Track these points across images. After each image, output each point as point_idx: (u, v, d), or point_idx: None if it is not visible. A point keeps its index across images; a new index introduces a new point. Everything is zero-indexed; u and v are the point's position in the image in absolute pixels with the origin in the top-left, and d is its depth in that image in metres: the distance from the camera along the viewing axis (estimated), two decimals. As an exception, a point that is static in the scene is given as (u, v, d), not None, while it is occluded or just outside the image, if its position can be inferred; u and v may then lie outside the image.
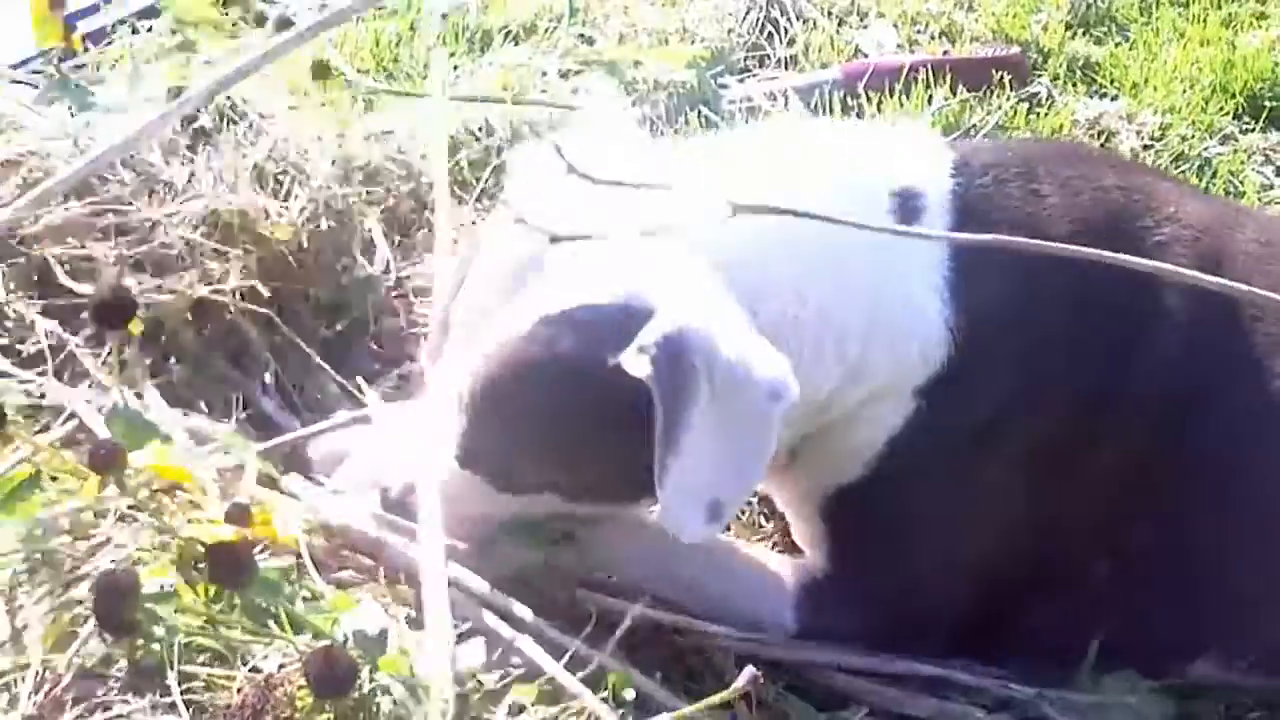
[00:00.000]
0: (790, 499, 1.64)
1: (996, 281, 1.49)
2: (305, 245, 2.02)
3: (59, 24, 1.99)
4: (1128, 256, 1.02)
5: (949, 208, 1.53)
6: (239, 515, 1.32)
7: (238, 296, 1.89)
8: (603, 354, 1.33)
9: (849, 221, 1.08)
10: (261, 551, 1.37)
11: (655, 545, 1.56)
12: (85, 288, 1.76)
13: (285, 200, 2.06)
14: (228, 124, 2.15)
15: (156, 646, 1.26)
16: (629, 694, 1.33)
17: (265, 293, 1.91)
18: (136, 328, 1.68)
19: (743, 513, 1.83)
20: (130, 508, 1.40)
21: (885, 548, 1.56)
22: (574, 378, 1.36)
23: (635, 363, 1.32)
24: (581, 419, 1.38)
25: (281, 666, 1.26)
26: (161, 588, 1.26)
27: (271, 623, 1.31)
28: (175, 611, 1.28)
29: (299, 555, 1.41)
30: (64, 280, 1.78)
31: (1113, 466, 1.56)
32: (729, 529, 1.80)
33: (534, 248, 1.41)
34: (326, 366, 1.90)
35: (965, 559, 1.57)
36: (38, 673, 1.25)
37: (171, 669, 1.24)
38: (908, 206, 1.52)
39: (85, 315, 1.76)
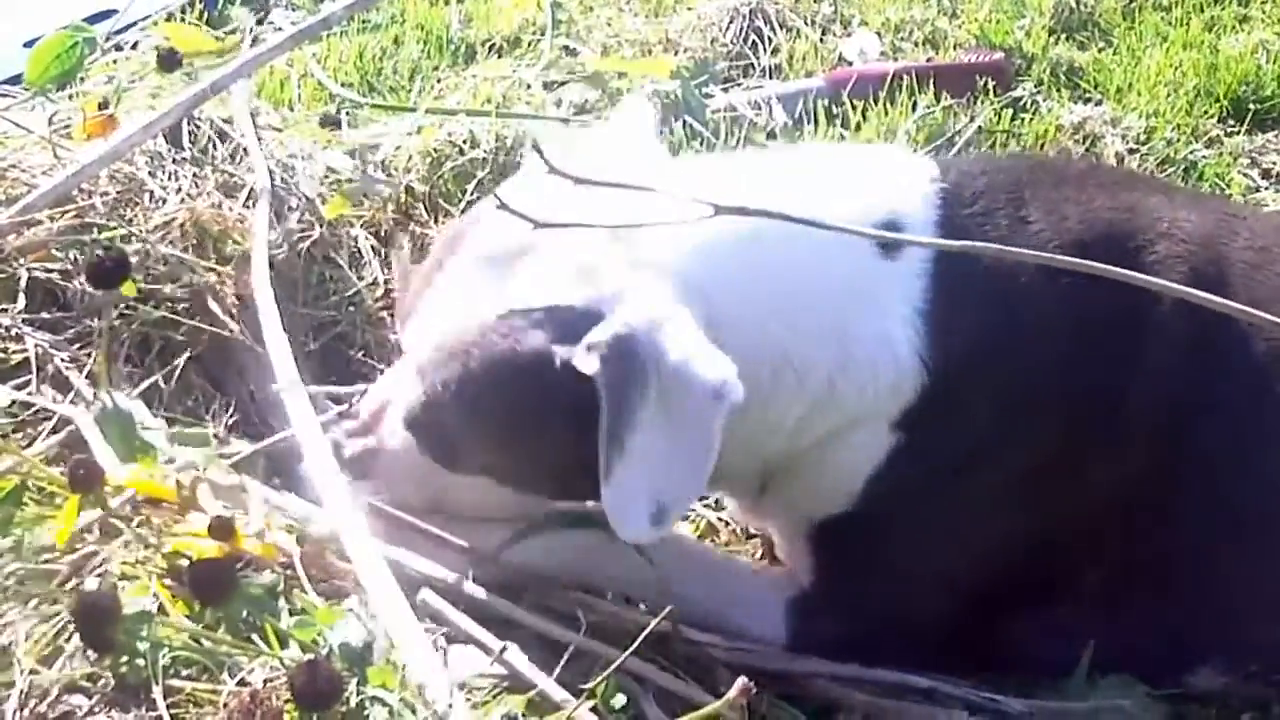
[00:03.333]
0: (776, 527, 1.64)
1: (975, 312, 1.49)
2: (292, 258, 2.03)
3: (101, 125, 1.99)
4: (1120, 269, 1.00)
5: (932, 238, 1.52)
6: (223, 529, 1.31)
7: (224, 308, 1.89)
8: (556, 352, 1.36)
9: (831, 225, 1.07)
10: (244, 566, 1.36)
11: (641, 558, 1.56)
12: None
13: (276, 218, 2.06)
14: (213, 141, 2.14)
15: (141, 662, 1.25)
16: (618, 701, 1.32)
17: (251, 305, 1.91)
18: (130, 290, 1.69)
19: (731, 520, 1.83)
20: (114, 521, 1.40)
21: (874, 571, 1.55)
22: (525, 372, 1.38)
23: (584, 360, 1.34)
24: (527, 412, 1.41)
25: (267, 681, 1.25)
26: (143, 610, 1.25)
27: (257, 636, 1.30)
28: (160, 626, 1.27)
29: (286, 567, 1.40)
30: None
31: (1105, 484, 1.55)
32: (718, 537, 1.80)
33: (518, 236, 1.42)
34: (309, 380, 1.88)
35: (953, 577, 1.56)
36: (22, 689, 1.24)
37: (157, 684, 1.23)
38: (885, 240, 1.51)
39: (70, 327, 1.76)
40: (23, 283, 1.77)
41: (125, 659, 1.25)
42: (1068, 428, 1.53)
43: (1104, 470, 1.55)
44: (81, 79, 2.22)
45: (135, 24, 2.58)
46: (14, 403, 1.60)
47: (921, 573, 1.56)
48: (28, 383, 1.65)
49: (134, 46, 2.48)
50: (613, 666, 1.31)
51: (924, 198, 1.54)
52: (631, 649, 1.34)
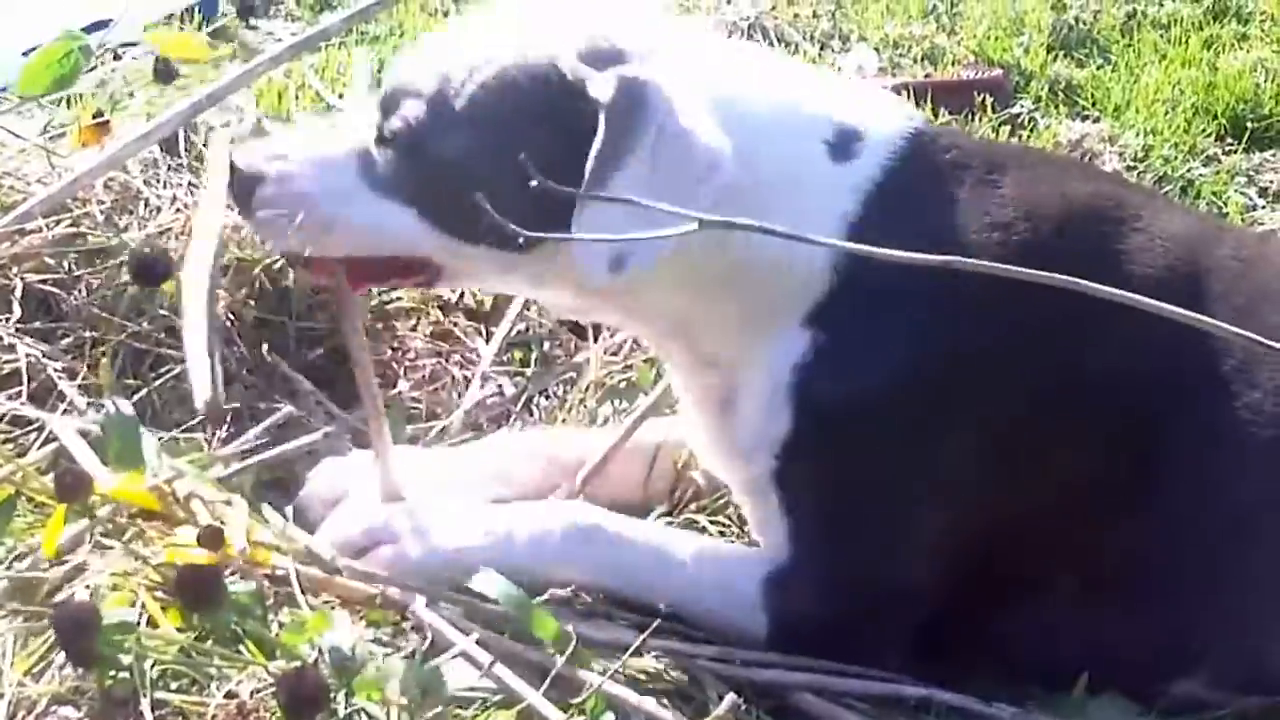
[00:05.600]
0: (744, 470, 1.62)
1: (903, 236, 1.38)
2: (288, 270, 2.03)
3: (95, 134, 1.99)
4: (1072, 279, 0.99)
5: (882, 163, 1.52)
6: (212, 538, 1.31)
7: (223, 319, 1.89)
8: (574, 67, 1.42)
9: (798, 235, 1.07)
10: (232, 574, 1.36)
11: (613, 549, 1.56)
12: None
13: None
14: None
15: (129, 674, 1.24)
16: (608, 718, 1.32)
17: (249, 316, 1.91)
18: (171, 287, 1.70)
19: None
20: (104, 533, 1.39)
21: (839, 519, 1.54)
22: (537, 71, 1.44)
23: (599, 85, 1.39)
24: (523, 106, 1.44)
25: (255, 692, 1.24)
26: (123, 621, 1.24)
27: (245, 647, 1.29)
28: (146, 638, 1.26)
29: (273, 581, 1.40)
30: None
31: (1069, 471, 1.54)
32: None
33: None
34: (313, 388, 1.88)
35: (919, 539, 1.54)
36: (11, 701, 1.24)
37: (145, 695, 1.23)
38: (840, 145, 1.52)
39: (63, 337, 1.76)
40: (17, 292, 1.77)
41: (113, 671, 1.25)
42: (1002, 393, 1.51)
43: (1064, 452, 1.53)
44: (79, 92, 2.22)
45: (136, 45, 2.57)
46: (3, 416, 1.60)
47: (884, 533, 1.54)
48: (20, 393, 1.65)
49: (133, 57, 2.49)
50: (600, 682, 1.31)
51: (897, 127, 1.56)
52: (619, 664, 1.34)
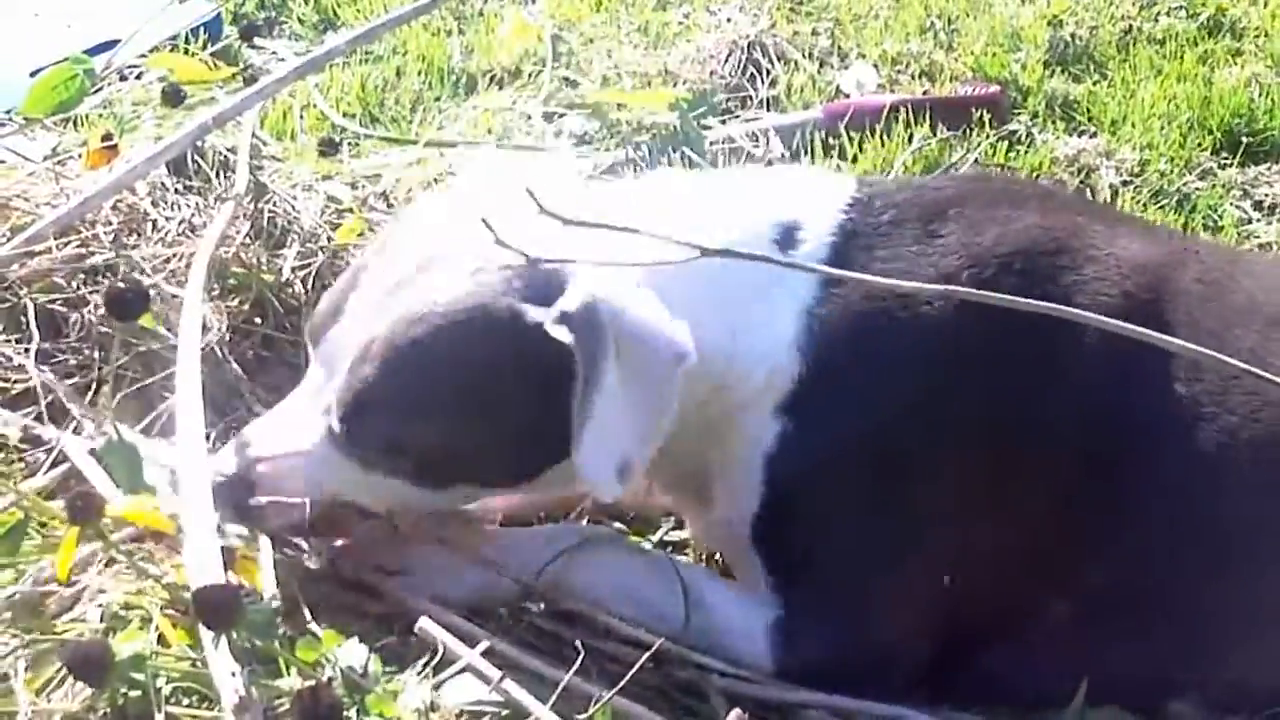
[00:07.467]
0: (724, 543, 1.66)
1: (859, 309, 1.54)
2: (295, 286, 2.04)
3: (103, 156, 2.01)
4: (1028, 300, 1.02)
5: (826, 242, 1.58)
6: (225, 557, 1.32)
7: (230, 334, 1.90)
8: (527, 311, 1.42)
9: (794, 263, 1.09)
10: (248, 594, 1.37)
11: (623, 577, 1.59)
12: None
13: (279, 247, 2.08)
14: (218, 171, 2.16)
15: (141, 692, 1.26)
16: (617, 732, 1.33)
17: (257, 332, 1.93)
18: (150, 322, 1.72)
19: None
20: (114, 554, 1.41)
21: (829, 579, 1.57)
22: (500, 324, 1.43)
23: (557, 329, 1.41)
24: (499, 366, 1.44)
25: (268, 709, 1.25)
26: (137, 654, 1.25)
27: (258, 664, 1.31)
28: (159, 656, 1.28)
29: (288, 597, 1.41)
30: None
31: (1040, 503, 1.56)
32: (717, 562, 1.81)
33: (442, 239, 1.49)
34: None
35: (901, 585, 1.57)
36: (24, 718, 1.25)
37: (159, 711, 1.24)
38: (787, 238, 1.59)
39: (72, 358, 1.77)
40: (28, 313, 1.78)
41: (125, 689, 1.26)
42: (975, 435, 1.55)
43: (1034, 487, 1.56)
44: (85, 114, 2.24)
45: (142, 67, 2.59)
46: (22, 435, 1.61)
47: (868, 583, 1.57)
48: (30, 414, 1.66)
49: (138, 77, 2.50)
50: (609, 696, 1.32)
51: (827, 209, 1.61)
52: (627, 678, 1.35)
